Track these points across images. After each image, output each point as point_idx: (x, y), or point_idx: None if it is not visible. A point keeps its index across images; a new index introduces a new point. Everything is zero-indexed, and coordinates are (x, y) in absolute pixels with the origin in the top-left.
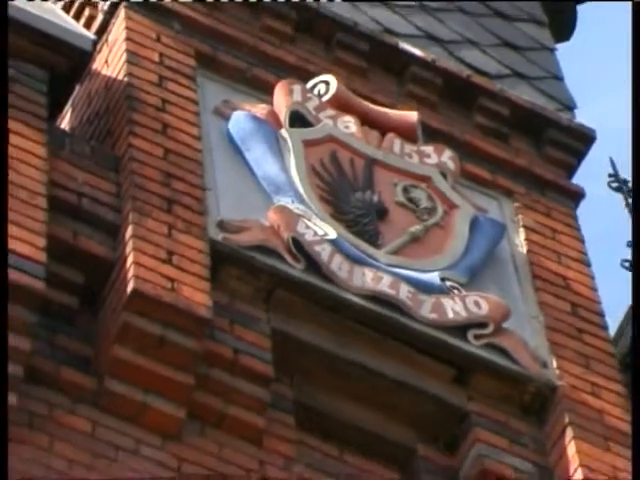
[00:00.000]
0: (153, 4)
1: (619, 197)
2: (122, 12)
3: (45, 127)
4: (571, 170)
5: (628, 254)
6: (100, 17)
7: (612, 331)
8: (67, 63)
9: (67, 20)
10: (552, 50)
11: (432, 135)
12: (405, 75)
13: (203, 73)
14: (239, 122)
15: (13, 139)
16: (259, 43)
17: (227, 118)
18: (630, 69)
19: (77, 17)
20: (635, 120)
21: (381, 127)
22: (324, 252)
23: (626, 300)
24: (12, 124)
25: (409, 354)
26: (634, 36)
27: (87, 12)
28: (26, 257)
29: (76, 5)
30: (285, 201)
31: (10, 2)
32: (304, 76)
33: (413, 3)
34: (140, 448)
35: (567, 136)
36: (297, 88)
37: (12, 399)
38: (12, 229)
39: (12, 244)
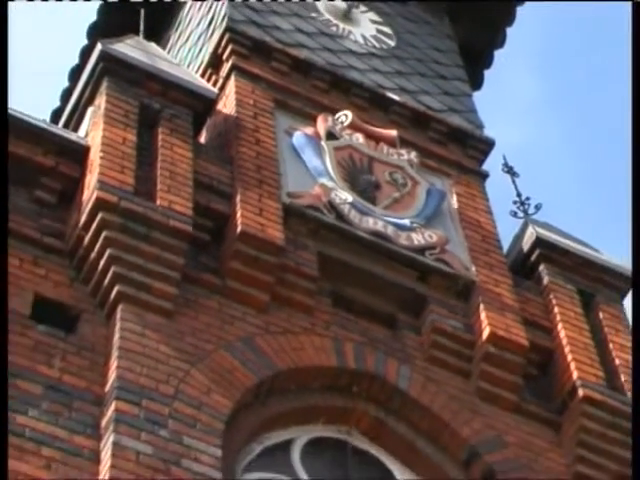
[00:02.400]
0: (250, 73)
1: (507, 177)
2: (233, 77)
3: (191, 141)
4: (481, 161)
5: (514, 207)
6: (221, 80)
7: (505, 250)
8: (202, 106)
9: (202, 81)
10: (470, 95)
11: (404, 143)
12: (389, 110)
13: (278, 111)
14: (298, 138)
15: (175, 149)
16: (309, 94)
17: (291, 135)
18: (630, 69)
19: (208, 80)
20: (635, 122)
21: (376, 139)
22: (346, 209)
23: (511, 234)
24: (174, 140)
25: (393, 264)
26: (634, 36)
27: (213, 77)
28: (181, 213)
29: (208, 73)
30: (324, 181)
31: (169, 72)
32: (334, 111)
33: (393, 70)
34: (245, 317)
35: (478, 143)
36: (330, 118)
37: (174, 290)
38: (173, 198)
39: (174, 206)
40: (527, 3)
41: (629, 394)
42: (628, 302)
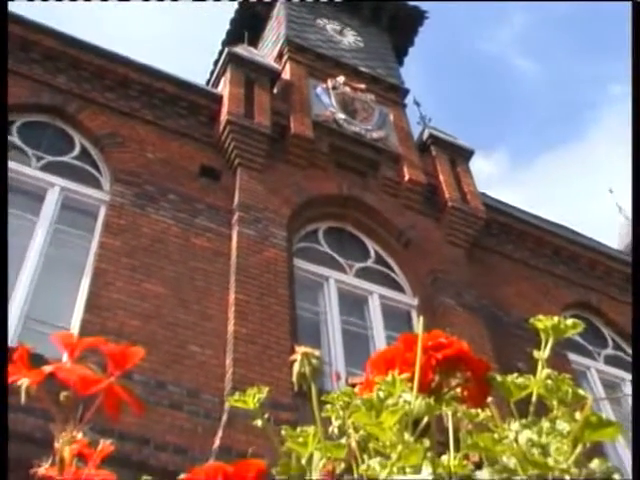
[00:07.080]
0: (296, 60)
1: (416, 106)
2: (288, 62)
3: (269, 92)
4: (403, 98)
5: (419, 120)
6: (282, 63)
7: (415, 139)
8: (274, 75)
9: (274, 64)
10: (398, 69)
11: (368, 91)
12: (360, 76)
13: (310, 77)
14: (320, 91)
15: (262, 96)
16: (324, 69)
17: (316, 88)
18: (630, 69)
19: (277, 63)
20: (635, 122)
21: (355, 89)
22: (342, 121)
23: (417, 131)
24: (261, 92)
25: (364, 147)
26: (634, 36)
27: (279, 62)
28: (265, 125)
29: (277, 60)
30: (331, 109)
31: (259, 60)
32: (335, 77)
33: (363, 57)
34: (296, 173)
35: (401, 91)
36: (334, 80)
37: (263, 161)
38: (262, 119)
39: (263, 122)
40: (426, 26)
41: (470, 205)
42: (471, 163)
